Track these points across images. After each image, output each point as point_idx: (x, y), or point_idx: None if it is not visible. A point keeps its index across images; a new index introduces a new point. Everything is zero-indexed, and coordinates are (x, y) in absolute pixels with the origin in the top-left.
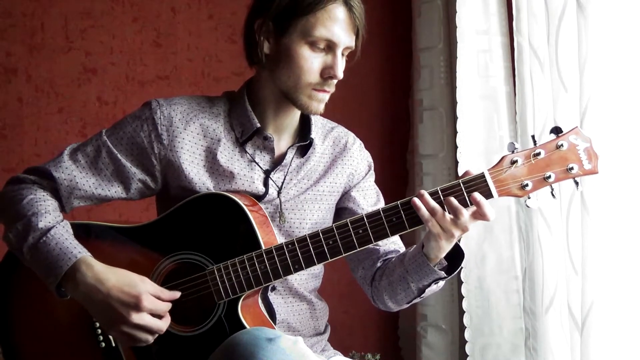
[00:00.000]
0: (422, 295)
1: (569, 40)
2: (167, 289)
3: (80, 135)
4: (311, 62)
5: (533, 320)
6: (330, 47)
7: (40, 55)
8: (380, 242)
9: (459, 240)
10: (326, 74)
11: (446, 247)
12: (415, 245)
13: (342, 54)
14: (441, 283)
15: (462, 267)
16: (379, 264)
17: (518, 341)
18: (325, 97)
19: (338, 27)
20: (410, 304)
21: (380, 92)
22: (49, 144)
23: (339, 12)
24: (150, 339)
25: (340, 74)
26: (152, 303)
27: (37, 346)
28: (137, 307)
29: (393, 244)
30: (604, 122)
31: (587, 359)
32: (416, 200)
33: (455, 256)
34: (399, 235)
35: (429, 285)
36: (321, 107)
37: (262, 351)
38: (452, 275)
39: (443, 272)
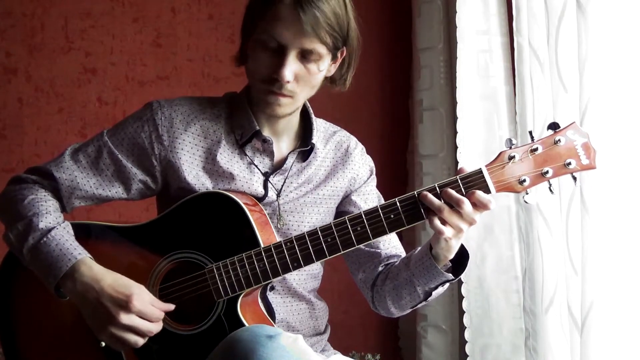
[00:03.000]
0: (428, 299)
1: (568, 41)
2: (167, 290)
3: (80, 135)
4: (260, 60)
5: (533, 320)
6: (281, 47)
7: (40, 55)
8: (381, 246)
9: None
10: (272, 73)
11: (455, 245)
12: (419, 248)
13: (305, 58)
14: (447, 285)
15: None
16: (380, 268)
17: (518, 341)
18: (280, 100)
19: (281, 27)
20: (414, 308)
21: (380, 92)
22: (49, 144)
23: (283, 10)
24: (140, 342)
25: (283, 75)
26: (142, 304)
27: (38, 347)
28: (127, 306)
29: (394, 248)
30: (603, 122)
31: (587, 359)
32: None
33: (459, 258)
34: (397, 235)
35: (436, 287)
36: (276, 110)
37: (262, 348)
38: (459, 276)
39: (450, 275)
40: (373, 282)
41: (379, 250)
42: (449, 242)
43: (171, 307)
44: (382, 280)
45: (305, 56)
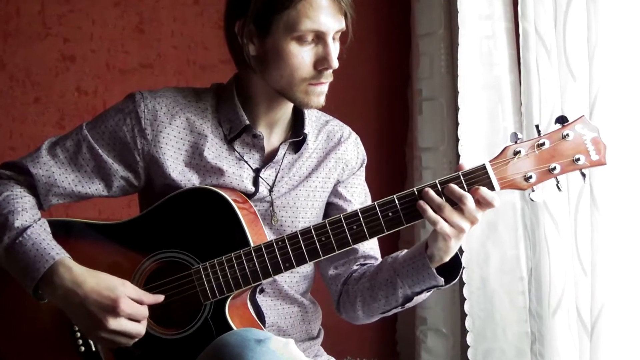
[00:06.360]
0: (405, 305)
1: (577, 26)
2: (150, 290)
3: (57, 127)
4: (302, 57)
5: (539, 323)
6: (319, 37)
7: (16, 42)
8: (358, 244)
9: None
10: (320, 65)
11: (454, 247)
12: (407, 250)
13: (334, 39)
14: (430, 292)
15: (460, 275)
16: (355, 267)
17: (523, 346)
18: (324, 88)
19: (323, 14)
20: (384, 315)
21: (377, 82)
22: (25, 137)
23: None
24: (130, 343)
25: (335, 63)
26: (129, 307)
27: (14, 351)
28: (114, 311)
29: (372, 249)
30: (614, 113)
31: None
32: (421, 202)
33: (450, 267)
34: (395, 234)
35: (420, 292)
36: (321, 100)
37: (251, 353)
38: (449, 285)
39: (442, 279)
40: (345, 280)
41: (356, 247)
42: (448, 243)
43: (160, 298)
44: (355, 279)
45: (335, 36)
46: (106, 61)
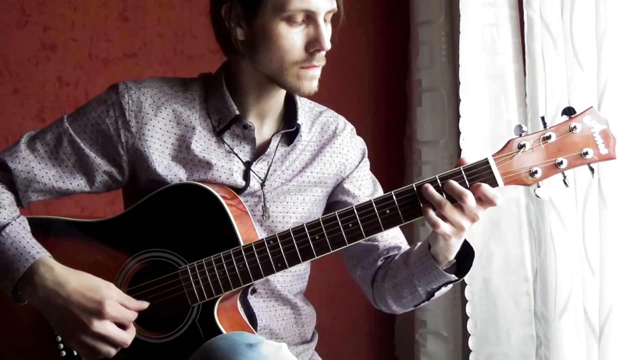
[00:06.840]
0: (431, 299)
1: (585, 13)
2: (135, 292)
3: (37, 119)
4: (292, 38)
5: (545, 326)
6: (309, 17)
7: None
8: (379, 238)
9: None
10: (311, 47)
11: (456, 245)
12: (419, 244)
13: (325, 20)
14: (450, 286)
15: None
16: (379, 263)
17: (528, 350)
18: (316, 72)
19: None
20: (418, 307)
21: (374, 72)
22: (3, 130)
23: None
24: (113, 352)
25: (327, 44)
26: (115, 310)
27: None
28: (99, 313)
29: (394, 238)
30: (624, 105)
31: None
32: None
33: (464, 254)
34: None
35: (439, 288)
36: (314, 85)
37: (242, 358)
38: (464, 276)
39: (454, 275)
40: (373, 278)
41: (377, 243)
42: (449, 242)
43: (145, 305)
44: (381, 277)
45: (326, 17)
46: (88, 50)
